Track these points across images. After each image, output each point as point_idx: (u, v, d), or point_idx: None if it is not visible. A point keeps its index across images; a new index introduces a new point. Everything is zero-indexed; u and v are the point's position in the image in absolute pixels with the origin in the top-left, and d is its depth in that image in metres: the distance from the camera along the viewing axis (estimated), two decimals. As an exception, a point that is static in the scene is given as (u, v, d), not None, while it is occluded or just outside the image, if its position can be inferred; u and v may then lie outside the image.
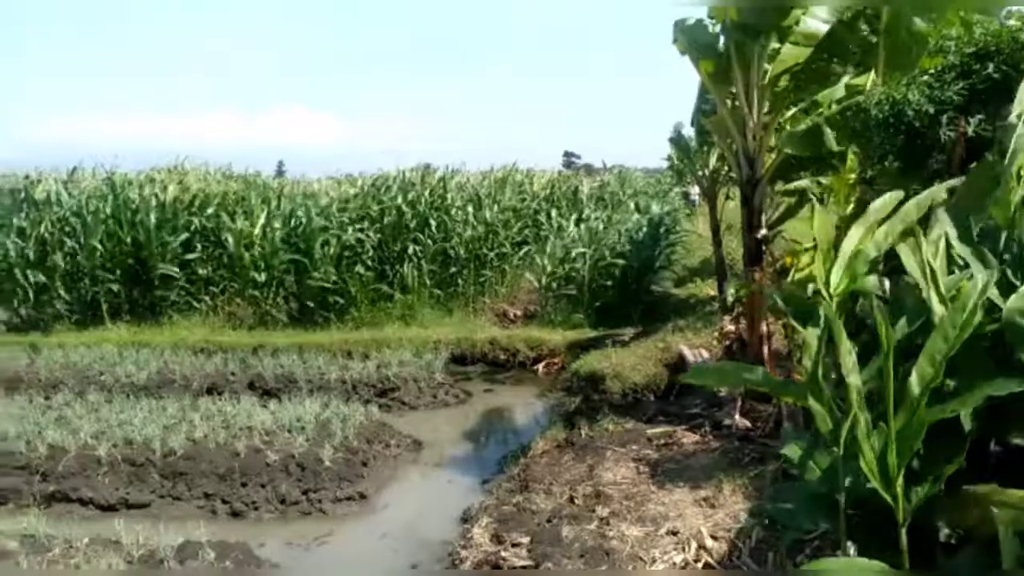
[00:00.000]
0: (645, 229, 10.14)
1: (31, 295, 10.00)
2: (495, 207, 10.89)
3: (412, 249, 10.10)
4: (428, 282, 9.97)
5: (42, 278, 9.87)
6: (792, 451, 2.37)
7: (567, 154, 40.47)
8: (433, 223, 10.29)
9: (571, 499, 3.92)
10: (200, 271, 10.30)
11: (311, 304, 9.84)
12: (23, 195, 10.95)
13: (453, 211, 10.53)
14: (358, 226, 10.06)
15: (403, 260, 10.07)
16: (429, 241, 10.13)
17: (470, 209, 10.57)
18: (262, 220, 10.03)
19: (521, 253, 11.11)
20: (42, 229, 9.94)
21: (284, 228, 10.02)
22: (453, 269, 10.21)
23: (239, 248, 9.97)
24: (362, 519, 4.68)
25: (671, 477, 3.93)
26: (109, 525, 4.22)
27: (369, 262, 9.99)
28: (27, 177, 11.69)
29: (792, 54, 4.48)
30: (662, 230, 10.37)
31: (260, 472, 4.98)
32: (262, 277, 9.85)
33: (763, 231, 4.85)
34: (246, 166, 12.56)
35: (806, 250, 4.42)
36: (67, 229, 10.14)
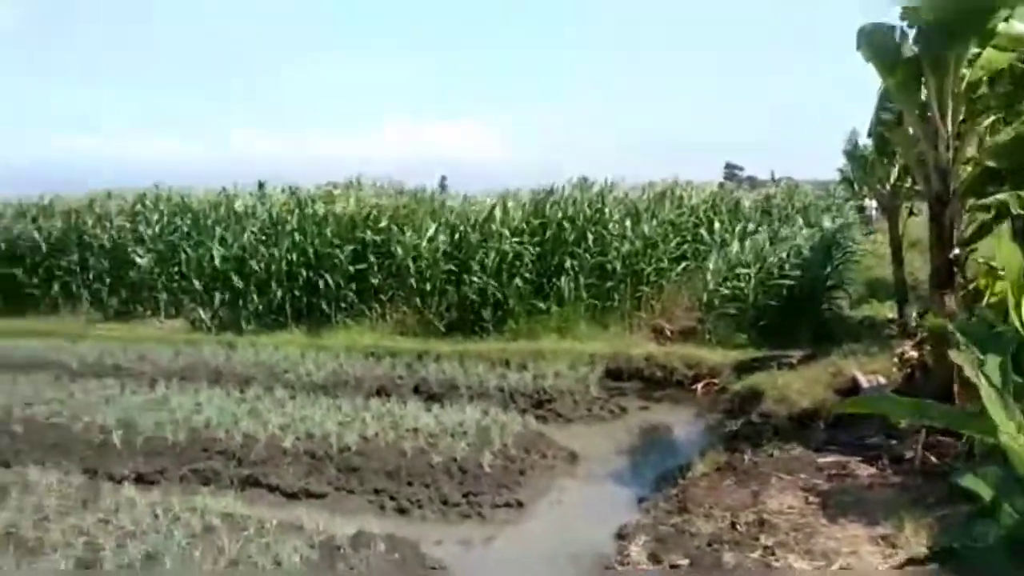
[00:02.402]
0: (815, 245, 9.61)
1: (228, 298, 11.16)
2: (653, 221, 10.76)
3: (569, 263, 10.21)
4: (584, 296, 10.03)
5: (239, 283, 10.96)
6: (982, 488, 2.16)
7: (729, 166, 39.09)
8: (591, 237, 10.35)
9: (733, 525, 3.79)
10: (371, 280, 11.00)
11: (471, 314, 10.22)
12: (223, 208, 12.27)
13: (611, 225, 10.53)
14: (517, 239, 10.31)
15: (560, 273, 10.20)
16: (587, 255, 10.19)
17: (628, 223, 10.52)
18: (429, 233, 10.56)
19: (679, 269, 10.89)
20: (244, 239, 11.04)
21: (447, 240, 10.50)
22: (610, 283, 10.20)
23: (407, 259, 10.56)
24: (519, 526, 4.79)
25: (844, 510, 3.70)
26: (292, 511, 4.63)
27: (527, 275, 10.21)
28: (224, 190, 13.05)
29: (994, 58, 4.11)
30: (834, 246, 9.77)
31: (424, 473, 5.24)
32: (426, 287, 10.38)
33: (955, 250, 4.46)
34: (413, 181, 13.29)
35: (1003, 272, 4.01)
36: (261, 239, 11.19)
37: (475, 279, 10.02)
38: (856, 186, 10.08)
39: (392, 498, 5.08)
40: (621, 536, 4.32)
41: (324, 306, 10.87)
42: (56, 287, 13.15)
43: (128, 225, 12.69)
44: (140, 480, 5.27)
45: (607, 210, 10.72)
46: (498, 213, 10.69)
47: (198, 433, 5.96)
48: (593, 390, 7.48)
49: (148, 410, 6.50)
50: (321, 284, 10.96)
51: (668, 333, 9.73)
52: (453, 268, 10.29)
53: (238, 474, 5.46)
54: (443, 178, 13.72)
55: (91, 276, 12.99)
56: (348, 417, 6.17)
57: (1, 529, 4.02)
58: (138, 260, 12.14)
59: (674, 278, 10.87)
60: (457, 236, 10.55)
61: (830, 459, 4.49)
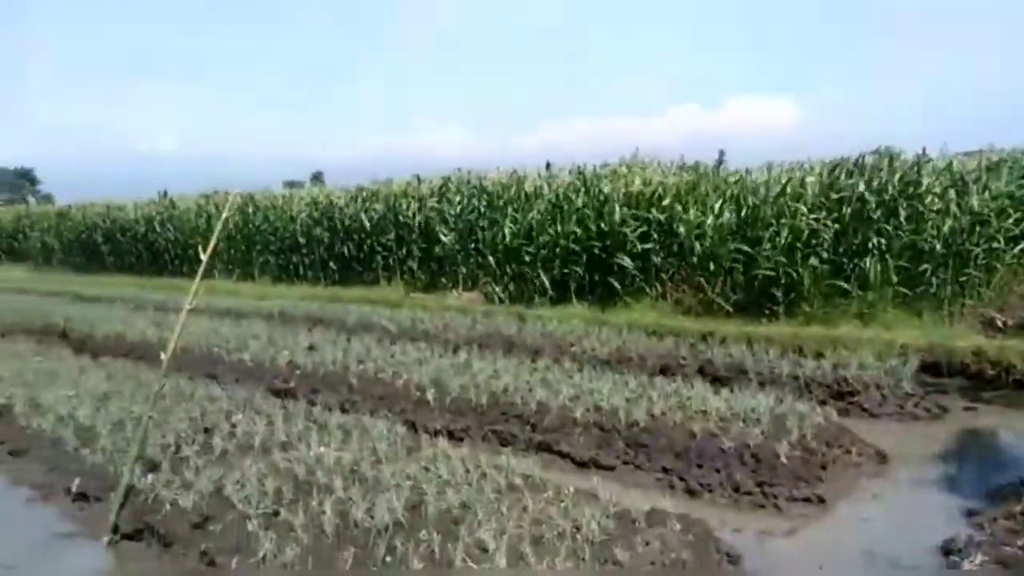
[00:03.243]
0: None
1: (518, 273, 11.89)
2: (985, 193, 9.24)
3: (875, 241, 9.19)
4: (893, 279, 8.98)
5: (528, 259, 11.62)
6: None
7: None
8: (902, 213, 9.21)
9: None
10: (654, 259, 10.96)
11: (758, 295, 9.71)
12: (514, 188, 13.05)
13: (928, 199, 9.26)
14: (813, 216, 9.53)
15: (864, 253, 9.23)
16: (897, 233, 9.09)
17: (952, 195, 9.16)
18: (715, 209, 10.21)
19: (1016, 250, 9.26)
20: (530, 217, 11.68)
21: (734, 218, 10.05)
22: (925, 266, 9.00)
23: (690, 238, 10.33)
24: (821, 524, 4.45)
25: None
26: (586, 480, 4.80)
27: (824, 254, 9.41)
28: (514, 172, 13.86)
29: None
30: None
31: (715, 457, 5.10)
32: (711, 266, 10.07)
33: None
34: (694, 158, 12.91)
35: None
36: (548, 218, 11.73)
37: (765, 258, 9.48)
38: None
39: (681, 478, 5.03)
40: (948, 551, 3.82)
41: (608, 283, 11.08)
42: (378, 261, 15.15)
43: (436, 207, 14.10)
44: (450, 435, 5.86)
45: (925, 182, 9.44)
46: (789, 188, 9.97)
47: (496, 397, 6.44)
48: (906, 385, 6.68)
49: (454, 373, 7.17)
50: (606, 262, 11.19)
51: (1001, 324, 8.35)
52: (741, 246, 9.84)
53: (533, 438, 5.81)
54: (721, 153, 13.16)
55: (405, 252, 14.73)
56: (634, 393, 6.22)
57: (348, 466, 4.72)
58: (442, 238, 13.47)
59: (1008, 261, 9.29)
60: (745, 212, 10.06)
61: None
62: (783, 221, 9.60)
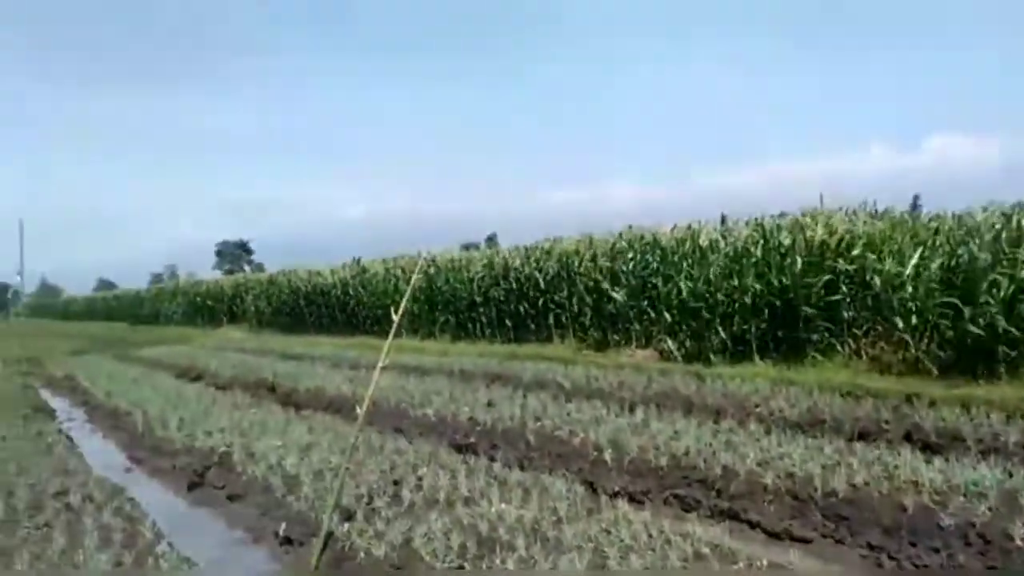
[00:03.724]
0: None
1: (695, 330, 11.55)
2: None
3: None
4: None
5: (706, 315, 11.27)
6: None
7: None
8: None
9: None
10: (844, 313, 10.22)
11: (972, 353, 8.69)
12: (688, 243, 12.80)
13: None
14: (1038, 263, 8.46)
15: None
16: None
17: None
18: (914, 260, 9.37)
19: None
20: (709, 272, 11.37)
21: (941, 268, 9.15)
22: None
23: (886, 290, 9.54)
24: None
25: None
26: (779, 552, 4.47)
27: (1054, 306, 8.28)
28: (689, 226, 13.62)
29: None
30: None
31: (931, 534, 4.55)
32: (912, 320, 9.19)
33: None
34: (883, 203, 11.98)
35: None
36: (725, 272, 11.36)
37: (981, 312, 8.50)
38: None
39: (891, 557, 4.52)
40: None
41: (793, 339, 10.46)
42: (551, 318, 15.39)
43: (607, 264, 14.16)
44: (630, 498, 5.71)
45: None
46: (1005, 232, 8.94)
47: (677, 460, 6.21)
48: None
49: (631, 433, 7.03)
50: (789, 317, 10.60)
51: None
52: (949, 300, 8.91)
53: (718, 505, 5.51)
54: (916, 198, 12.14)
55: (577, 309, 14.85)
56: (831, 460, 5.75)
57: (529, 525, 4.74)
58: (614, 295, 13.44)
59: None
60: (953, 262, 9.13)
61: None
62: (1000, 270, 8.60)
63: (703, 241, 12.53)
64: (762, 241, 11.35)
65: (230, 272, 67.24)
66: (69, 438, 9.69)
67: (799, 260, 10.47)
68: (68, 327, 54.21)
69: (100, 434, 10.63)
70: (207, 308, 37.68)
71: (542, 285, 15.77)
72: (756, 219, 12.29)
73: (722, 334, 11.22)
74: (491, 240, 40.37)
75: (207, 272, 74.80)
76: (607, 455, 6.51)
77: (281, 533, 5.52)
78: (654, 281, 12.91)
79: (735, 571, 3.88)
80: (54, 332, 44.53)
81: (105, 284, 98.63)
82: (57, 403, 13.94)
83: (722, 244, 12.08)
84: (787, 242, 10.92)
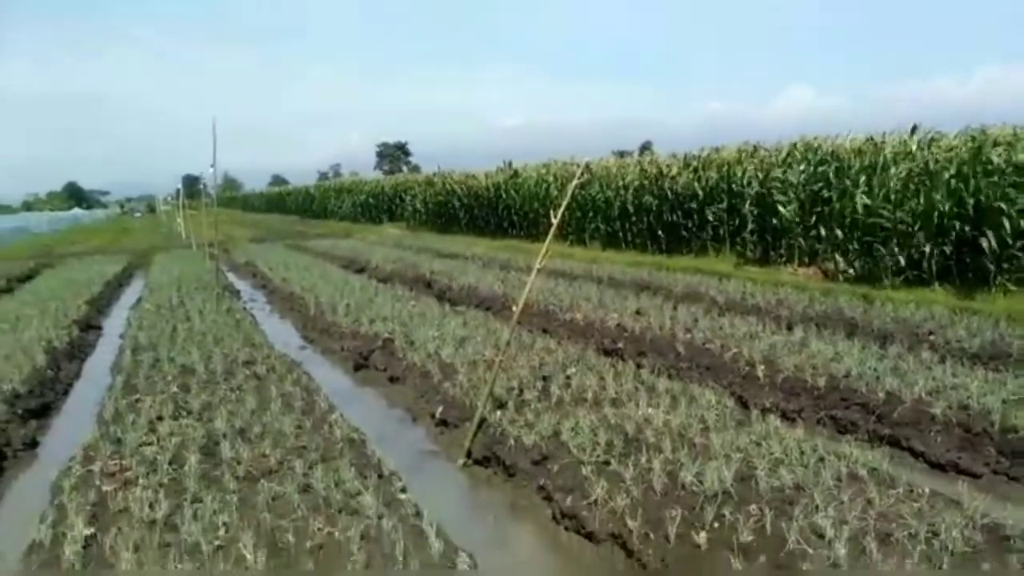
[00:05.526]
0: None
1: (866, 249, 10.74)
2: None
3: None
4: None
5: (880, 234, 10.43)
6: None
7: None
8: None
9: None
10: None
11: None
12: (869, 155, 11.72)
13: None
14: None
15: None
16: None
17: None
18: None
19: None
20: (890, 187, 10.43)
21: None
22: None
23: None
24: None
25: None
26: (944, 484, 4.22)
27: None
28: (871, 137, 12.43)
29: None
30: None
31: None
32: None
33: None
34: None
35: None
36: (910, 189, 10.37)
37: None
38: None
39: (1077, 503, 4.14)
40: None
41: (980, 266, 9.49)
42: (708, 231, 14.87)
43: (776, 176, 13.32)
44: (783, 415, 5.56)
45: None
46: None
47: (836, 381, 5.93)
48: None
49: (787, 351, 6.77)
50: (976, 241, 9.59)
51: None
52: None
53: (877, 430, 5.25)
54: None
55: (737, 222, 14.22)
56: (1015, 396, 5.26)
57: (676, 430, 4.76)
58: (781, 209, 12.70)
59: None
60: None
61: None
62: None
63: (888, 152, 11.41)
64: (961, 156, 10.16)
65: (389, 172, 70.08)
66: (252, 316, 10.78)
67: (1002, 180, 9.31)
68: (246, 217, 59.35)
69: (278, 315, 11.75)
70: (368, 206, 39.76)
71: (700, 196, 15.18)
72: (970, 131, 10.90)
73: (898, 255, 10.37)
74: (645, 149, 39.14)
75: (368, 172, 78.55)
76: (759, 371, 6.33)
77: (438, 415, 5.93)
78: (826, 195, 12.03)
79: (893, 495, 3.71)
80: (236, 221, 48.96)
81: (278, 180, 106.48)
82: (241, 284, 15.48)
83: (914, 155, 10.90)
84: (995, 159, 9.70)
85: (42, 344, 8.29)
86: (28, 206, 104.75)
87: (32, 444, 5.76)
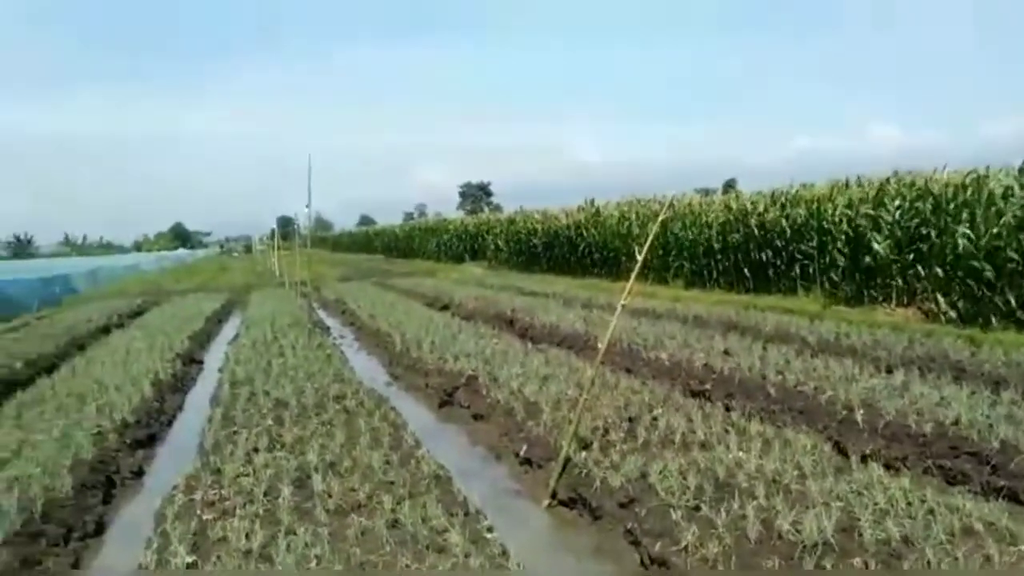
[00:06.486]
0: None
1: (972, 289, 10.16)
2: None
3: None
4: None
5: (989, 274, 9.86)
6: None
7: None
8: None
9: None
10: None
11: None
12: (971, 191, 11.17)
13: None
14: None
15: None
16: None
17: None
18: None
19: None
20: (1000, 224, 9.89)
21: None
22: None
23: None
24: None
25: None
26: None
27: None
28: (974, 171, 11.85)
29: None
30: None
31: None
32: None
33: None
34: None
35: None
36: (1019, 226, 9.80)
37: None
38: None
39: None
40: None
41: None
42: (796, 269, 14.41)
43: (868, 212, 12.85)
44: (885, 464, 5.26)
45: None
46: None
47: (944, 428, 5.58)
48: None
49: (888, 395, 6.44)
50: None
51: None
52: None
53: (992, 482, 4.89)
54: None
55: (827, 260, 13.74)
56: None
57: (770, 475, 4.58)
58: (875, 246, 12.21)
59: None
60: None
61: None
62: None
63: (994, 187, 10.83)
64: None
65: (472, 212, 71.44)
66: (341, 352, 11.10)
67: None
68: (335, 256, 61.55)
69: (365, 351, 12.05)
70: (452, 245, 40.55)
71: (788, 233, 14.77)
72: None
73: (1008, 295, 9.75)
74: (729, 185, 38.54)
75: (451, 211, 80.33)
76: (858, 415, 6.03)
77: (522, 454, 5.91)
78: (924, 232, 11.49)
79: (1014, 552, 3.44)
80: (325, 260, 50.82)
81: (366, 220, 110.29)
82: (330, 321, 16.00)
83: (1018, 191, 10.34)
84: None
85: (149, 376, 8.77)
86: (139, 246, 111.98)
87: (139, 473, 6.07)
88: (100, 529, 4.89)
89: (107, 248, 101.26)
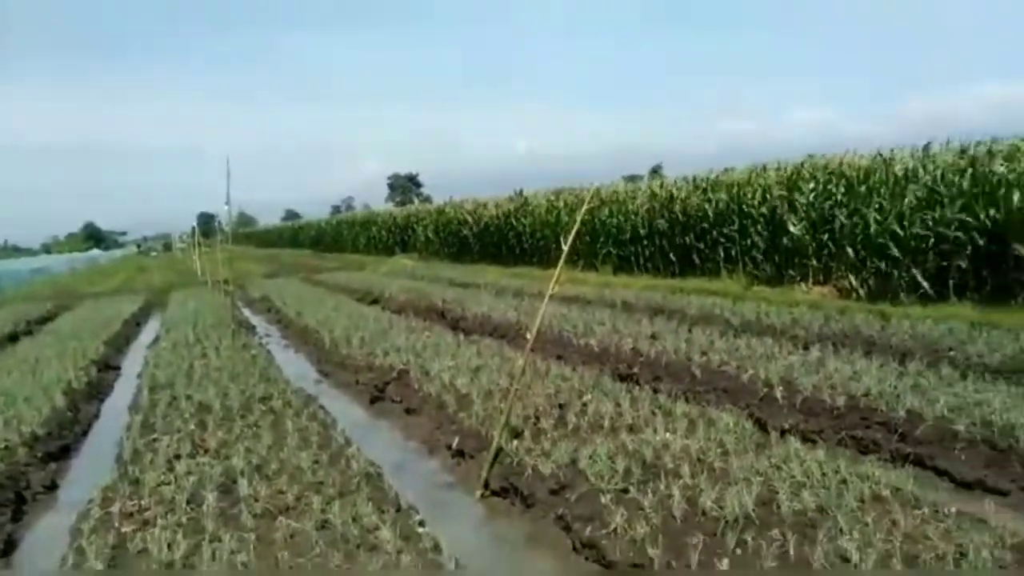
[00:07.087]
0: None
1: (881, 267, 10.67)
2: None
3: None
4: None
5: (895, 251, 10.37)
6: None
7: None
8: None
9: None
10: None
11: None
12: (880, 173, 11.71)
13: None
14: None
15: None
16: None
17: None
18: None
19: None
20: (903, 205, 10.40)
21: None
22: None
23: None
24: None
25: None
26: (969, 503, 4.14)
27: None
28: (879, 155, 12.42)
29: None
30: None
31: None
32: None
33: None
34: None
35: None
36: (923, 205, 10.34)
37: None
38: None
39: (1109, 519, 4.04)
40: None
41: (1000, 281, 9.40)
42: (719, 252, 14.84)
43: (784, 195, 13.32)
44: (803, 436, 5.49)
45: None
46: None
47: (856, 401, 5.86)
48: None
49: (805, 371, 6.71)
50: (997, 255, 9.51)
51: None
52: None
53: (900, 449, 5.17)
54: None
55: (748, 243, 14.19)
56: (1039, 410, 5.17)
57: (695, 455, 4.71)
58: (791, 228, 12.68)
59: None
60: None
61: None
62: None
63: (898, 170, 11.40)
64: (971, 170, 10.13)
65: (401, 204, 70.64)
66: (268, 351, 10.83)
67: (1016, 193, 9.26)
68: (261, 252, 59.92)
69: (292, 349, 11.79)
70: (380, 237, 40.06)
71: (711, 217, 15.19)
72: (962, 146, 10.96)
73: (914, 272, 10.29)
74: (655, 172, 39.26)
75: (380, 204, 79.25)
76: (778, 392, 6.27)
77: (454, 446, 5.90)
78: (837, 213, 12.00)
79: (919, 516, 3.64)
80: (250, 256, 49.42)
81: (291, 214, 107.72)
82: (256, 320, 15.58)
83: (921, 173, 10.91)
84: (1000, 171, 9.67)
85: (61, 385, 8.36)
86: (47, 248, 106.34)
87: (52, 487, 5.78)
88: (8, 549, 4.64)
89: (12, 252, 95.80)
